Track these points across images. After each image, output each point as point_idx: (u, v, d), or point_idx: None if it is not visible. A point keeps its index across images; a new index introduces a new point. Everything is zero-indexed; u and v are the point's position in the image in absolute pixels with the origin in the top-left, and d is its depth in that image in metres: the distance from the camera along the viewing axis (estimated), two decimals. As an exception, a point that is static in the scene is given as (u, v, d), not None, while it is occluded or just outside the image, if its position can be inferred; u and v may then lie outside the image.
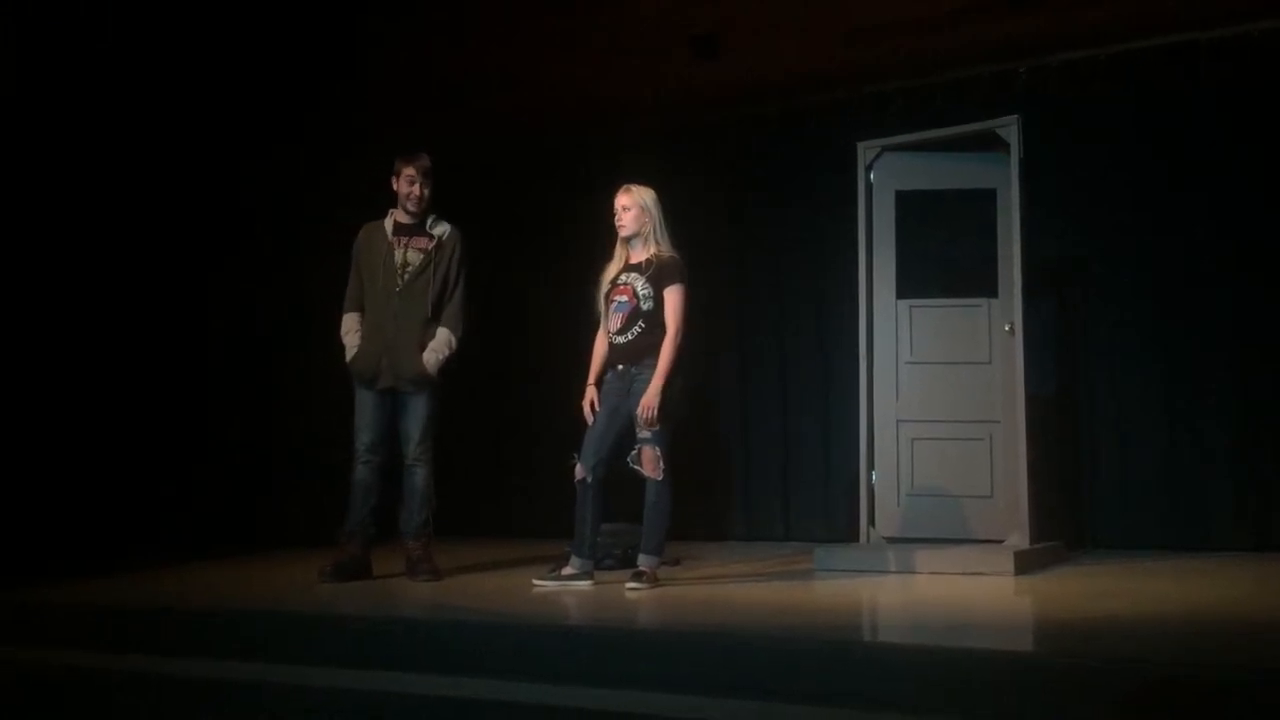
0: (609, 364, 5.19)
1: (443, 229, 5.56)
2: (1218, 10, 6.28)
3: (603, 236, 5.38)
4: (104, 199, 6.77)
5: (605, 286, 5.23)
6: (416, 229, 5.53)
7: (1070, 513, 6.56)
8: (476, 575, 5.76)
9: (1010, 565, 5.35)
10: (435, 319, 5.48)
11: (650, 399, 4.98)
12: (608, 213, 5.29)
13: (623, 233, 5.23)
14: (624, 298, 5.15)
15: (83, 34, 6.46)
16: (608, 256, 5.30)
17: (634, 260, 5.21)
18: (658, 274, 5.12)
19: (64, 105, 6.50)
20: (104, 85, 6.65)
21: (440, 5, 6.99)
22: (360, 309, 5.53)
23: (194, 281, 7.19)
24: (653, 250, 5.18)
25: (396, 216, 5.55)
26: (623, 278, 5.19)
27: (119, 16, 6.49)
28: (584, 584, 5.08)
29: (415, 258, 5.48)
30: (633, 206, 5.18)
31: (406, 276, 5.45)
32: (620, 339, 5.14)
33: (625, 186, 5.25)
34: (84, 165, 6.65)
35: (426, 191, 5.51)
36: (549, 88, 7.51)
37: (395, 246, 5.48)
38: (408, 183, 5.48)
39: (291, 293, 7.16)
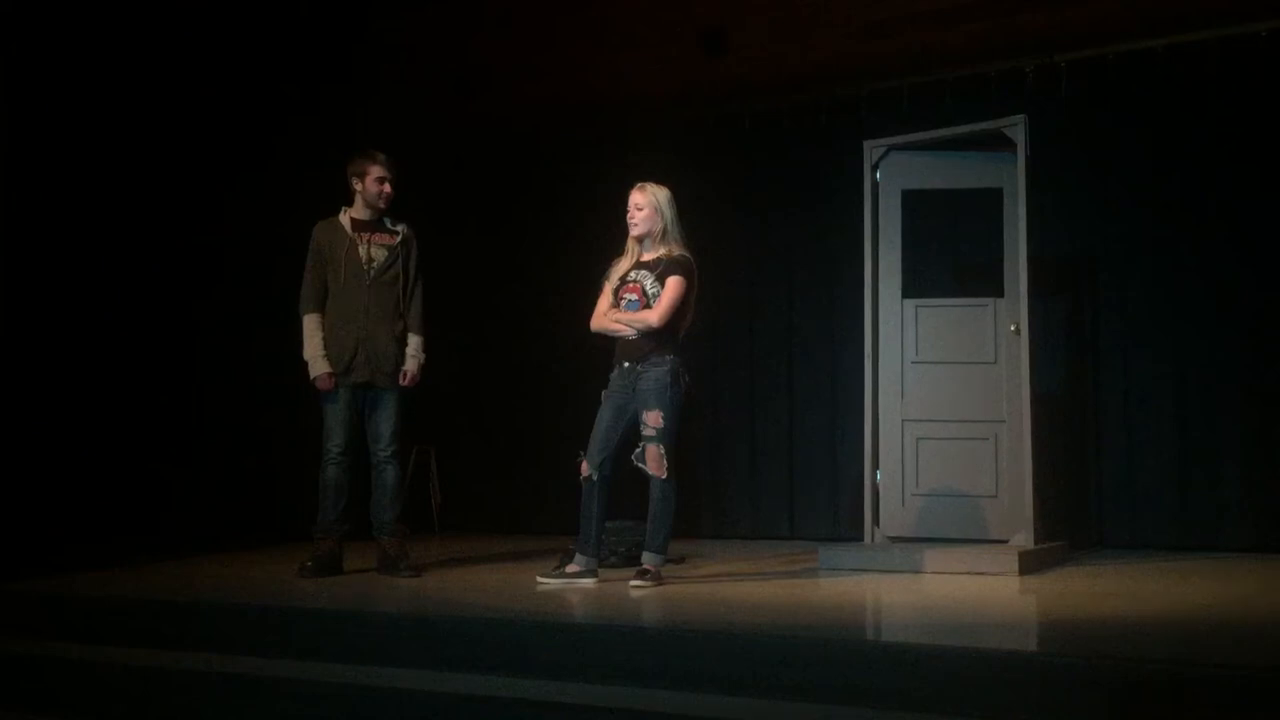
0: (615, 360, 5.20)
1: (402, 226, 5.57)
2: (1225, 9, 6.27)
3: (612, 233, 5.37)
4: (102, 200, 6.75)
5: (615, 282, 5.23)
6: (377, 225, 5.53)
7: (1076, 513, 6.55)
8: (481, 571, 5.78)
9: (1015, 565, 5.35)
10: (399, 312, 5.49)
11: (642, 316, 5.06)
12: (620, 209, 5.27)
13: (634, 231, 5.20)
14: (633, 295, 5.14)
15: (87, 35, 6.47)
16: (620, 252, 5.30)
17: (645, 259, 5.20)
18: (665, 272, 5.10)
19: (64, 105, 6.52)
20: (109, 88, 6.67)
21: (450, 1, 6.99)
22: (321, 309, 5.47)
23: (192, 282, 7.18)
24: (664, 250, 5.17)
25: (353, 214, 5.53)
26: (632, 275, 5.18)
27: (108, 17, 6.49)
28: (588, 581, 5.08)
29: (380, 253, 5.47)
30: (645, 206, 5.16)
31: (373, 271, 5.44)
32: (627, 336, 5.14)
33: (640, 185, 5.21)
34: (86, 166, 6.65)
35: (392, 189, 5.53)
36: (556, 83, 7.51)
37: (359, 242, 5.46)
38: (377, 182, 5.47)
39: (286, 294, 7.15)
